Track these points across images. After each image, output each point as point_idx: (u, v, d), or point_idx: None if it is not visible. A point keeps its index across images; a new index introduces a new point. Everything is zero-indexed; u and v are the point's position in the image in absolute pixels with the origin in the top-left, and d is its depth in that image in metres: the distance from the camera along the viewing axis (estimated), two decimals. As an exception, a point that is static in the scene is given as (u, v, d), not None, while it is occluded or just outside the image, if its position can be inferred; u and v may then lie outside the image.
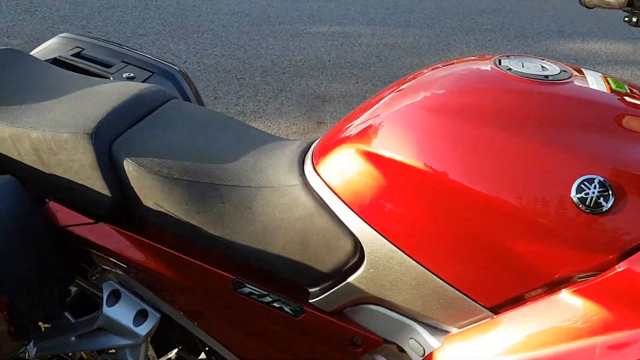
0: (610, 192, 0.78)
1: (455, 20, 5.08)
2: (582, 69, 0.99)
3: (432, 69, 1.03)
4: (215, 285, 0.99)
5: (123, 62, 1.38)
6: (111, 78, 1.32)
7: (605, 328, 0.74)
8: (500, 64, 0.95)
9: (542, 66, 0.94)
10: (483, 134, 0.84)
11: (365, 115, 1.00)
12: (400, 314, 0.93)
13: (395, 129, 0.91)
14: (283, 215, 0.94)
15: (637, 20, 1.04)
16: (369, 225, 0.89)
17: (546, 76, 0.91)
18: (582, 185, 0.78)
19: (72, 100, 1.07)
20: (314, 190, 0.95)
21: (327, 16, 5.33)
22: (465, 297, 0.85)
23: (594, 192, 0.78)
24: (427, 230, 0.85)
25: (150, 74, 1.37)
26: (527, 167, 0.81)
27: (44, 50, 1.39)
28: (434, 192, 0.85)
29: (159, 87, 1.16)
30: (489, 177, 0.82)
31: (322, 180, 0.94)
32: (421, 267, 0.86)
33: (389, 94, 1.02)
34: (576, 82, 0.92)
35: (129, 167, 0.98)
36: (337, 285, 0.94)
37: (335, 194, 0.92)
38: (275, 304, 0.97)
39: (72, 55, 1.38)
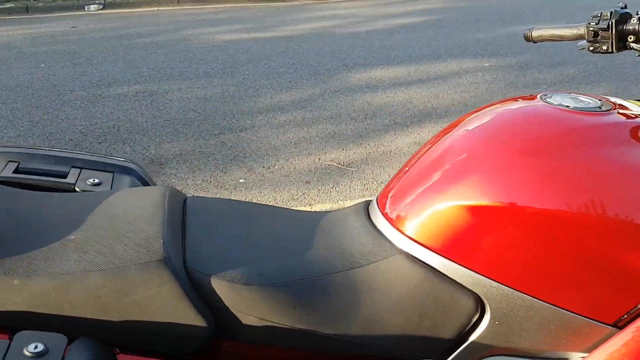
0: None
1: (250, 66, 5.32)
2: (608, 98, 1.09)
3: (480, 113, 1.09)
4: None
5: (74, 167, 1.21)
6: (77, 189, 1.15)
7: None
8: (547, 100, 1.03)
9: (584, 99, 1.04)
10: (568, 161, 0.92)
11: (434, 166, 1.01)
12: (527, 357, 0.93)
13: (479, 175, 0.94)
14: (391, 291, 0.90)
15: (593, 49, 1.19)
16: (487, 277, 0.89)
17: (599, 107, 1.01)
18: None
19: (100, 228, 0.91)
20: (414, 257, 0.93)
21: (120, 77, 5.13)
22: (590, 320, 0.88)
23: None
24: (542, 267, 0.88)
25: (111, 173, 1.22)
26: (618, 184, 0.90)
27: None
28: (539, 227, 0.88)
29: (166, 186, 1.04)
30: (584, 199, 0.89)
31: (422, 245, 0.92)
32: (547, 304, 0.88)
33: (448, 139, 1.05)
34: (620, 110, 1.03)
35: (219, 285, 0.87)
36: (459, 348, 0.92)
37: (441, 255, 0.91)
38: None
39: (12, 172, 1.16)
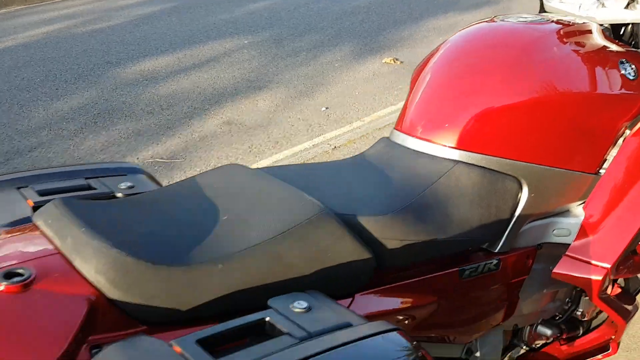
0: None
1: (0, 82, 4.65)
2: (530, 14, 1.41)
3: (460, 37, 1.34)
4: (444, 281, 1.11)
5: (87, 178, 1.13)
6: (117, 196, 1.11)
7: None
8: (507, 20, 1.32)
9: (526, 17, 1.33)
10: (552, 57, 1.25)
11: (450, 86, 1.25)
12: (541, 218, 1.21)
13: (495, 81, 1.22)
14: (464, 195, 1.11)
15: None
16: (520, 161, 1.14)
17: (541, 19, 1.32)
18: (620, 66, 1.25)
19: (235, 206, 0.99)
20: (466, 163, 1.14)
21: None
22: (583, 173, 1.20)
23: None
24: (555, 141, 1.18)
25: (125, 175, 1.17)
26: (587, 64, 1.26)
27: None
28: (550, 112, 1.18)
29: (232, 164, 1.14)
30: (568, 85, 1.23)
31: (467, 150, 1.14)
32: (561, 170, 1.19)
33: (445, 63, 1.30)
34: (550, 19, 1.37)
35: (365, 221, 0.99)
36: (510, 223, 1.16)
37: (484, 154, 1.14)
38: (487, 268, 1.14)
39: (40, 196, 1.05)
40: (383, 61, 4.92)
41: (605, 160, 1.26)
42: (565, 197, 1.25)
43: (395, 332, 0.80)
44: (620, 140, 1.27)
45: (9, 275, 0.76)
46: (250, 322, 0.78)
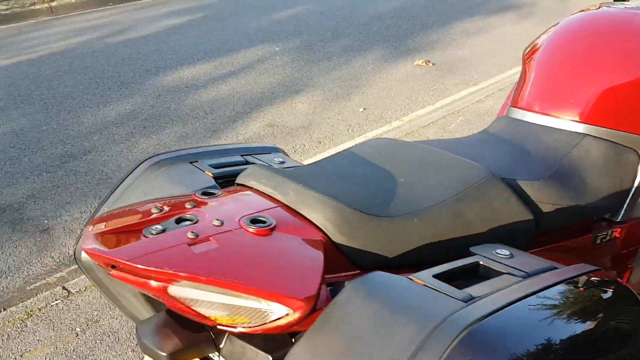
0: None
1: (51, 91, 4.80)
2: None
3: (571, 22, 1.43)
4: (581, 245, 1.20)
5: (241, 155, 1.27)
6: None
7: None
8: (614, 7, 1.40)
9: (629, 4, 1.43)
10: None
11: (567, 66, 1.34)
12: None
13: (611, 59, 1.32)
14: (595, 166, 1.20)
15: None
16: (636, 134, 1.25)
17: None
18: None
19: (408, 170, 1.09)
20: (593, 136, 1.24)
21: None
22: None
23: None
24: None
25: (270, 153, 1.32)
26: None
27: (138, 179, 1.06)
28: None
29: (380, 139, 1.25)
30: None
31: (592, 124, 1.24)
32: None
33: (563, 46, 1.39)
34: None
35: (524, 184, 1.08)
36: (630, 193, 1.25)
37: (608, 128, 1.23)
38: (613, 236, 1.22)
39: (215, 169, 1.19)
40: (415, 64, 5.02)
41: None
42: None
43: (599, 271, 0.89)
44: None
45: (254, 221, 0.87)
46: (466, 265, 0.87)
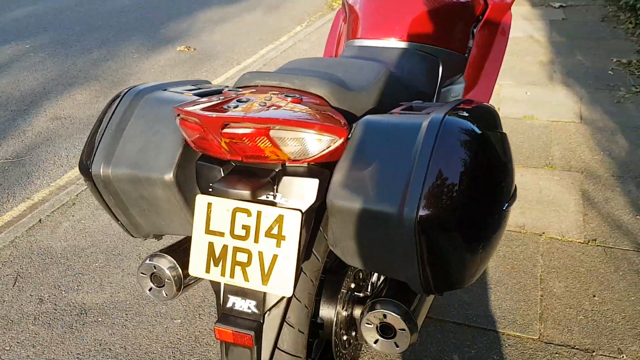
0: None
1: None
2: None
3: None
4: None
5: (192, 86, 1.45)
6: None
7: None
8: None
9: None
10: None
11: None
12: (448, 85, 1.88)
13: None
14: (417, 66, 1.73)
15: None
16: (439, 47, 1.82)
17: None
18: None
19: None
20: (416, 50, 1.74)
21: None
22: (460, 54, 1.94)
23: None
24: (448, 32, 1.84)
25: (208, 83, 1.52)
26: None
27: (129, 109, 1.30)
28: None
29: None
30: None
31: (414, 42, 1.79)
32: (454, 52, 1.86)
33: None
34: None
35: None
36: (437, 85, 1.80)
37: (423, 43, 1.79)
38: None
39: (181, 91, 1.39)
40: (178, 49, 5.37)
41: (470, 46, 2.00)
42: (457, 70, 1.91)
43: (473, 102, 1.28)
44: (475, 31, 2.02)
45: (287, 96, 1.17)
46: (409, 105, 1.31)
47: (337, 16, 2.23)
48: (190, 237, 1.28)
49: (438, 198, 1.02)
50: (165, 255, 1.32)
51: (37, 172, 3.22)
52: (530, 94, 3.72)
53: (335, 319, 1.46)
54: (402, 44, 1.81)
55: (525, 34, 5.03)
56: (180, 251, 1.34)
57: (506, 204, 1.15)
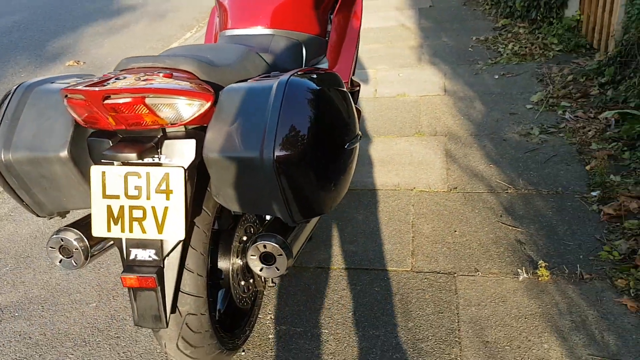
0: None
1: None
2: None
3: None
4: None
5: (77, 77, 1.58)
6: None
7: None
8: None
9: None
10: None
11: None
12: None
13: None
14: (284, 52, 1.95)
15: None
16: (301, 32, 2.06)
17: None
18: None
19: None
20: (281, 36, 1.98)
21: None
22: (321, 38, 2.18)
23: None
24: (309, 18, 2.11)
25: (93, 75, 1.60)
26: None
27: (20, 102, 1.46)
28: None
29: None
30: None
31: (281, 29, 2.05)
32: (316, 36, 2.13)
33: None
34: None
35: None
36: (302, 65, 2.04)
37: (287, 29, 2.05)
38: None
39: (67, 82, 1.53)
40: (67, 64, 5.37)
41: (329, 30, 2.28)
42: (320, 52, 2.20)
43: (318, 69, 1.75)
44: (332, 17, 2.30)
45: (159, 72, 1.40)
46: (265, 76, 1.60)
47: (212, 13, 2.46)
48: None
49: (289, 141, 1.28)
50: (71, 228, 1.50)
51: None
52: (402, 75, 4.13)
53: (230, 268, 1.71)
54: (268, 31, 2.05)
55: (397, 22, 5.49)
56: (85, 224, 1.53)
57: (348, 144, 1.44)
